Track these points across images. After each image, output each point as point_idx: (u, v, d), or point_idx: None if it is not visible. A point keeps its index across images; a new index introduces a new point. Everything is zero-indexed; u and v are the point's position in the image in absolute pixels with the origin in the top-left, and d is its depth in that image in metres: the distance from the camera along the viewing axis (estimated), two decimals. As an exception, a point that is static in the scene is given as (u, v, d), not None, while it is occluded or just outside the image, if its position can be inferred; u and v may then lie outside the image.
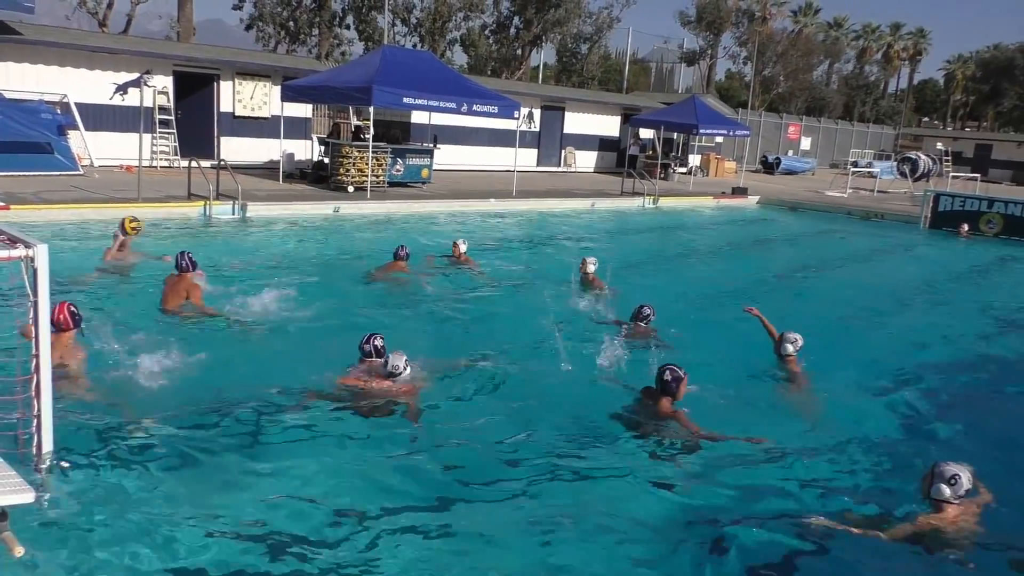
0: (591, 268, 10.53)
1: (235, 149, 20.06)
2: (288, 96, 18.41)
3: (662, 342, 8.10)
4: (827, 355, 8.06)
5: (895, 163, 38.02)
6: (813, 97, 59.78)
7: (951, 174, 32.53)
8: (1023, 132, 62.22)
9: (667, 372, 5.98)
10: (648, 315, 8.39)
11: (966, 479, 4.71)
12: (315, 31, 33.71)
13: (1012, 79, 67.29)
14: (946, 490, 4.67)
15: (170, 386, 6.13)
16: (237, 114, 20.63)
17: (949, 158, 37.17)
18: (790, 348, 7.53)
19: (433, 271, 11.13)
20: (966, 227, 20.36)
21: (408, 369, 6.14)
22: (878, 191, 30.30)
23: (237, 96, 20.56)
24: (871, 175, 33.03)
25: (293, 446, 5.44)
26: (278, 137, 18.83)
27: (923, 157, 36.37)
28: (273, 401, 6.07)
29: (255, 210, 14.55)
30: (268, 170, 19.75)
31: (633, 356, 7.43)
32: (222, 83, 20.32)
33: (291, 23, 33.29)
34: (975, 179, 30.69)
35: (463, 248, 11.65)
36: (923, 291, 13.24)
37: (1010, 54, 68.02)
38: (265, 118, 20.91)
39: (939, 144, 42.18)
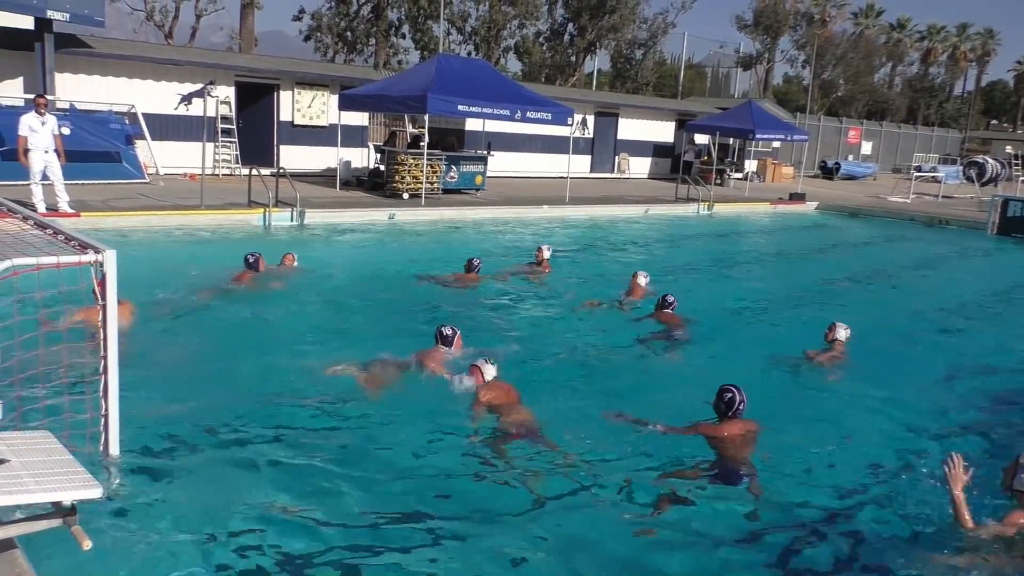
0: (642, 281, 10.47)
1: (294, 157, 20.49)
2: (345, 105, 18.74)
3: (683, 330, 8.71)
4: (889, 364, 7.91)
5: (961, 167, 36.92)
6: (874, 100, 58.43)
7: (1021, 178, 31.46)
8: (1098, 135, 59.71)
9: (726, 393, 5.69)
10: (671, 303, 9.07)
11: None
12: (372, 40, 34.26)
13: (1087, 80, 64.74)
14: None
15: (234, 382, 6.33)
16: (296, 123, 21.08)
17: (1019, 162, 35.94)
18: (843, 334, 7.96)
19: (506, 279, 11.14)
20: (1037, 233, 19.68)
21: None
22: (943, 196, 29.43)
23: (296, 105, 21.01)
24: (935, 180, 32.10)
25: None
26: (335, 145, 19.19)
27: (991, 161, 35.27)
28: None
29: (313, 217, 14.83)
30: (326, 177, 20.12)
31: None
32: (282, 92, 20.79)
33: (348, 33, 33.91)
34: (1046, 184, 29.61)
35: (547, 254, 11.76)
36: (994, 300, 12.84)
37: (1084, 54, 65.37)
38: (323, 126, 21.32)
39: (1008, 148, 40.81)
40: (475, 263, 10.63)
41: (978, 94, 75.53)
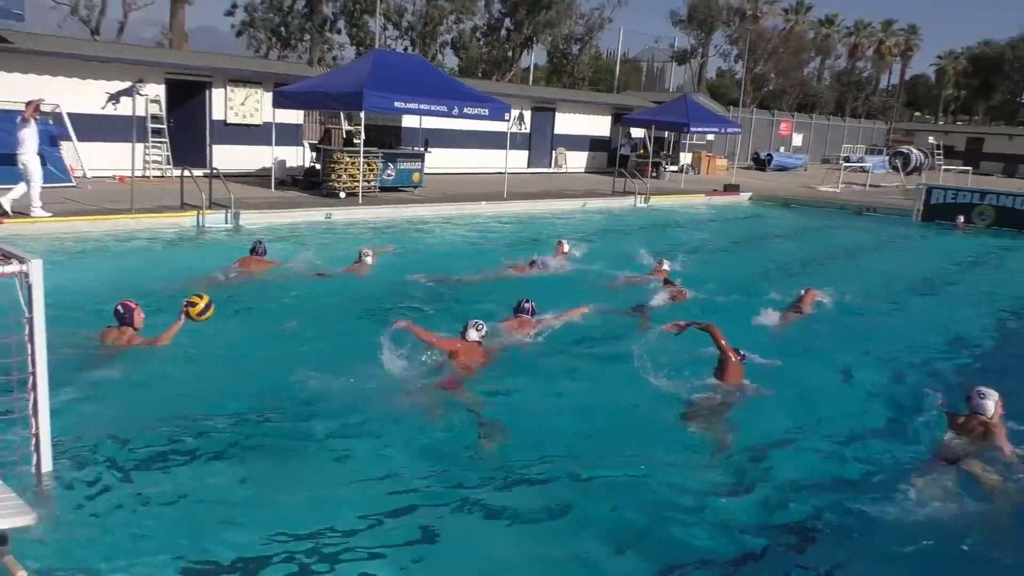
0: (667, 267, 11.28)
1: (227, 157, 20.06)
2: (280, 103, 18.43)
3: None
4: (833, 343, 8.59)
5: (887, 157, 38.15)
6: (804, 94, 59.96)
7: (943, 167, 32.69)
8: (1014, 126, 62.39)
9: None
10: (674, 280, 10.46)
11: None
12: (306, 36, 33.76)
13: (1002, 74, 67.51)
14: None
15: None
16: (229, 121, 20.64)
17: (941, 151, 37.28)
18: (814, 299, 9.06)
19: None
20: (962, 219, 20.48)
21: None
22: (870, 185, 30.41)
23: (229, 103, 20.57)
24: (863, 170, 33.15)
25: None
26: (270, 144, 18.86)
27: (915, 151, 36.47)
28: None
29: (248, 218, 14.57)
30: (260, 177, 19.77)
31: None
32: (214, 90, 20.32)
33: (282, 29, 33.34)
34: (967, 172, 30.84)
35: (567, 248, 12.11)
36: (924, 283, 13.49)
37: (1000, 49, 68.23)
38: (257, 125, 20.93)
39: (931, 138, 42.29)
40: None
41: (902, 87, 78.12)
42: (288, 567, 4.19)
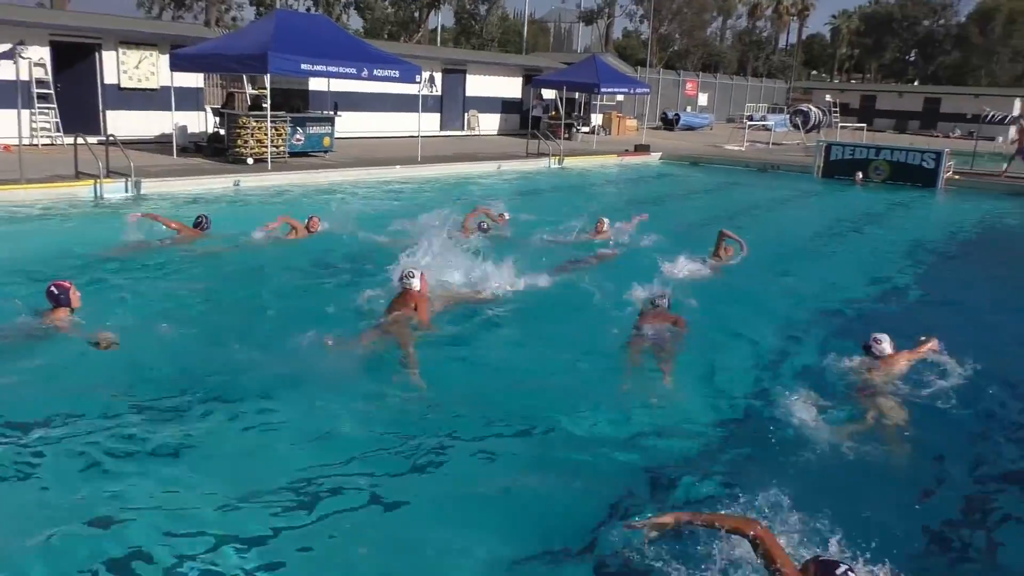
0: (607, 227, 11.56)
1: (123, 123, 19.06)
2: (177, 65, 17.56)
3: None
4: (751, 297, 8.91)
5: (788, 116, 39.36)
6: (708, 54, 61.10)
7: (840, 125, 33.95)
8: (904, 83, 65.29)
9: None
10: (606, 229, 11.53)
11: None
12: (201, -4, 32.25)
13: (892, 33, 70.32)
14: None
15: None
16: (123, 86, 19.56)
17: (837, 109, 38.69)
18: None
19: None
20: (860, 175, 21.35)
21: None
22: (773, 143, 31.34)
23: (122, 67, 19.48)
24: (766, 128, 34.12)
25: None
26: (169, 109, 17.99)
27: (813, 109, 37.79)
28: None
29: (150, 186, 13.91)
30: (161, 143, 18.88)
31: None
32: (104, 53, 19.18)
33: (175, -12, 31.72)
34: (862, 129, 32.11)
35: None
36: (826, 235, 14.05)
37: (890, 8, 70.98)
38: (154, 89, 19.92)
39: (828, 96, 43.82)
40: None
41: (800, 47, 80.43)
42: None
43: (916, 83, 64.42)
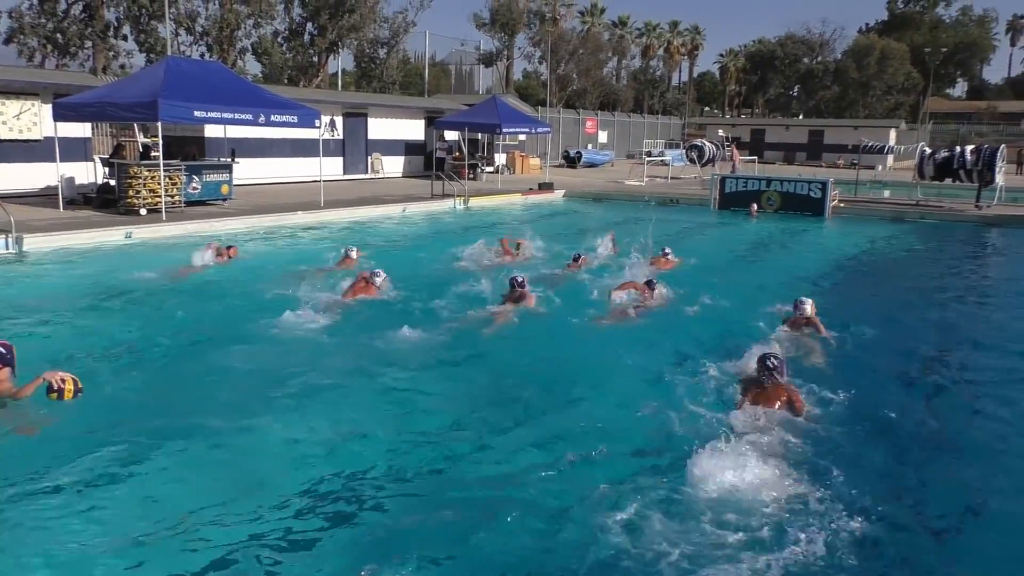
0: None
1: (3, 176, 18.13)
2: (61, 115, 16.82)
3: None
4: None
5: (684, 151, 40.73)
6: (606, 93, 62.88)
7: (738, 159, 35.31)
8: (789, 116, 68.75)
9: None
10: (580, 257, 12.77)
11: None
12: (87, 43, 31.08)
13: (775, 70, 74.21)
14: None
15: None
16: (3, 138, 18.63)
17: (731, 143, 40.30)
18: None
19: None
20: (755, 206, 22.19)
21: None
22: (672, 178, 32.34)
23: (1, 117, 18.56)
24: (664, 163, 35.20)
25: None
26: (54, 160, 17.20)
27: (708, 144, 39.21)
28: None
29: (33, 243, 13.20)
30: (45, 197, 18.01)
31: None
32: (-19, 104, 18.26)
33: (58, 35, 30.48)
34: (753, 161, 33.52)
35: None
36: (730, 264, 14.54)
37: (772, 47, 74.95)
38: (36, 140, 19.03)
39: (720, 131, 45.67)
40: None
41: (691, 84, 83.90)
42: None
43: (800, 116, 67.95)
